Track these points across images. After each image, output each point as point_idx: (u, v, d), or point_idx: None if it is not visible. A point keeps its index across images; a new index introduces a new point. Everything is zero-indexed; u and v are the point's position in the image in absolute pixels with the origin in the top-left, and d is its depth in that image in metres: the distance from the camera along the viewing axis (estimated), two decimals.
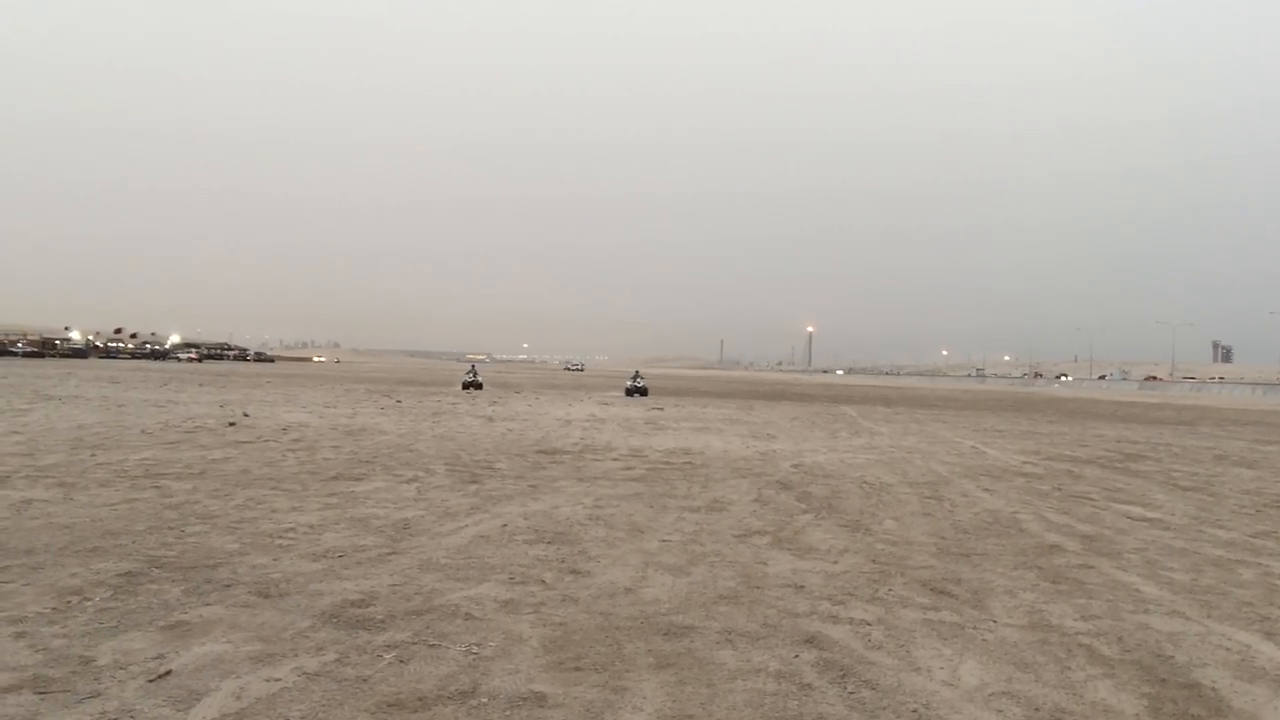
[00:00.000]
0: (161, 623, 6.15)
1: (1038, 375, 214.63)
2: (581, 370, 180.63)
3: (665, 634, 6.36)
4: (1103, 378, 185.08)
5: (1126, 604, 7.68)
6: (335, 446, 17.66)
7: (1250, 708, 5.33)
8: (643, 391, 50.43)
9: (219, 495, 11.36)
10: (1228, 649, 6.50)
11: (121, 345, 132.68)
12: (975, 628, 6.81)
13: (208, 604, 6.63)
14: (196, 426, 20.91)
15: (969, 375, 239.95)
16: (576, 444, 20.27)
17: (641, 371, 65.80)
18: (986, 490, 14.76)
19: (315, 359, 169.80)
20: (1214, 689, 5.64)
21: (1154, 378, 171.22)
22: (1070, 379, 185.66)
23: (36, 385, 37.41)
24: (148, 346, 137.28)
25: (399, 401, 35.37)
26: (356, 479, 13.32)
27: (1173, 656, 6.28)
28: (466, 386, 52.88)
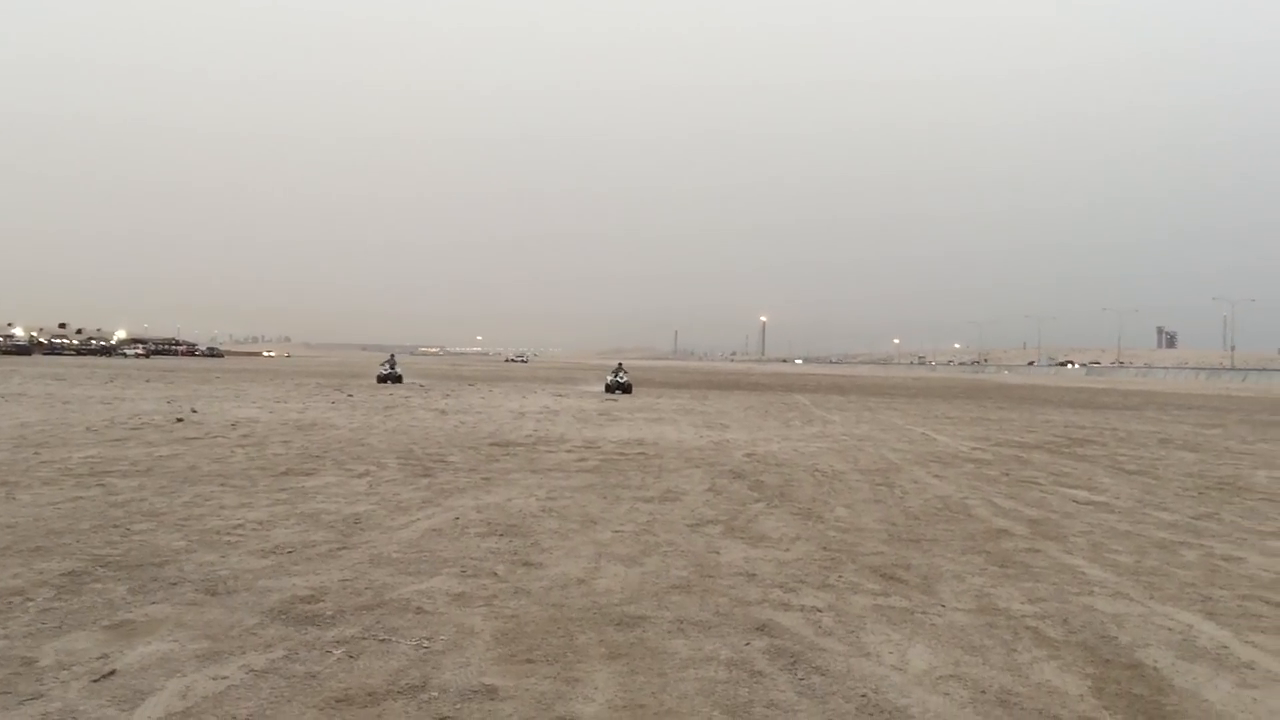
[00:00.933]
0: (106, 622, 6.05)
1: (978, 362, 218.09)
2: (525, 362, 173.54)
3: (617, 624, 6.37)
4: (1031, 364, 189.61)
5: (1072, 586, 7.81)
6: (285, 442, 17.48)
7: (1191, 686, 5.44)
8: (626, 389, 42.69)
9: (166, 492, 11.21)
10: (1170, 629, 6.63)
11: (66, 341, 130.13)
12: (924, 612, 6.89)
13: (153, 602, 6.54)
14: (143, 423, 20.59)
15: (911, 363, 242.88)
16: (530, 436, 20.22)
17: (596, 364, 64.21)
18: (936, 476, 14.92)
19: (265, 353, 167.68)
20: (1156, 669, 5.75)
21: (1069, 362, 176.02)
22: (1032, 365, 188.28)
23: None
24: (93, 342, 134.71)
25: (350, 395, 35.06)
26: (307, 474, 13.20)
27: (1116, 637, 6.39)
28: (383, 380, 47.19)
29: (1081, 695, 5.26)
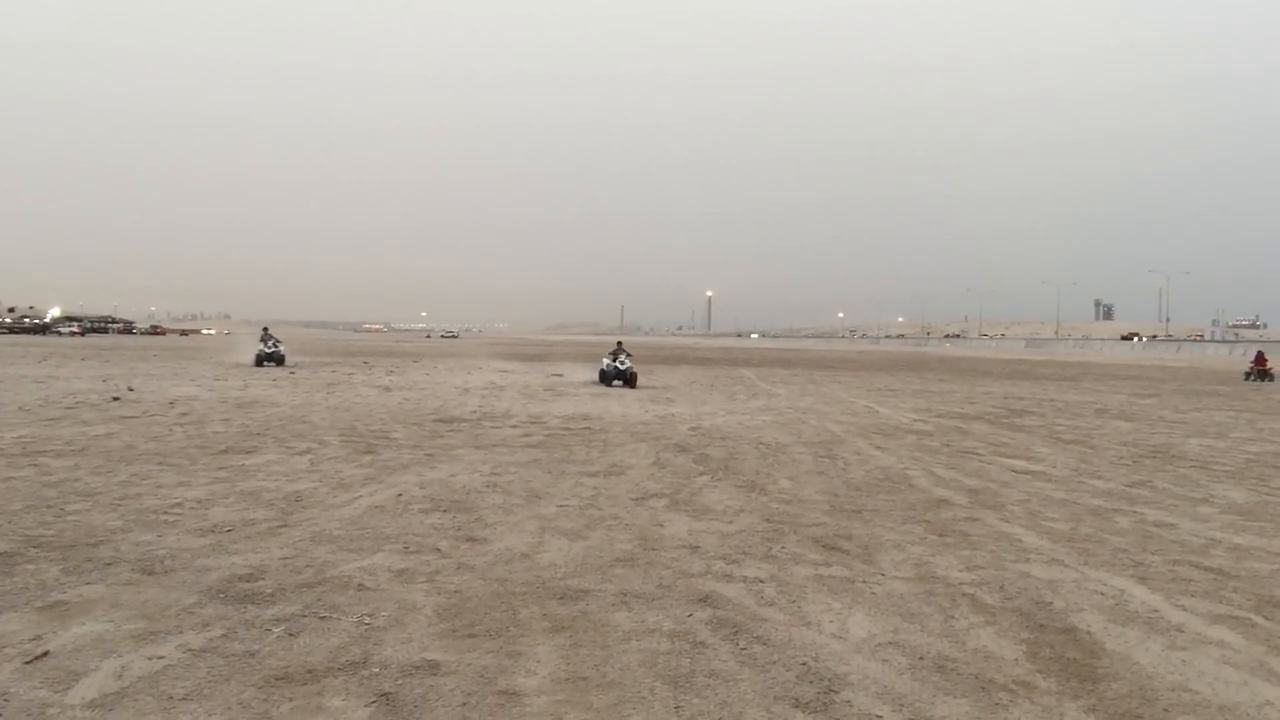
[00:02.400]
0: (39, 603, 5.93)
1: (883, 336, 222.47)
2: (455, 337, 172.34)
3: (561, 598, 6.37)
4: (948, 337, 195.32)
5: (1009, 554, 7.94)
6: (225, 420, 17.24)
7: (1123, 649, 5.56)
8: (628, 379, 30.08)
9: (101, 472, 11.00)
10: (1103, 594, 6.77)
11: None
12: (864, 582, 6.97)
13: (88, 583, 6.42)
14: (78, 402, 20.20)
15: (842, 336, 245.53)
16: (475, 412, 20.13)
17: (542, 340, 61.37)
18: (879, 448, 15.09)
19: (204, 331, 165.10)
20: (1089, 632, 5.87)
21: (956, 335, 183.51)
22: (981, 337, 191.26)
23: None
24: (27, 321, 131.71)
25: (292, 372, 34.66)
26: (247, 452, 13.03)
27: (1051, 603, 6.51)
28: (262, 361, 39.46)
29: (1016, 660, 5.36)
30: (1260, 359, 48.80)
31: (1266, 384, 44.52)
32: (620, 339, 37.27)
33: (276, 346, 40.57)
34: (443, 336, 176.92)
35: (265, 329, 43.58)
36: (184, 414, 18.15)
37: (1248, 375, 48.40)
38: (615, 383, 29.94)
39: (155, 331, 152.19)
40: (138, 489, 10.01)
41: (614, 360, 30.44)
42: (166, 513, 8.84)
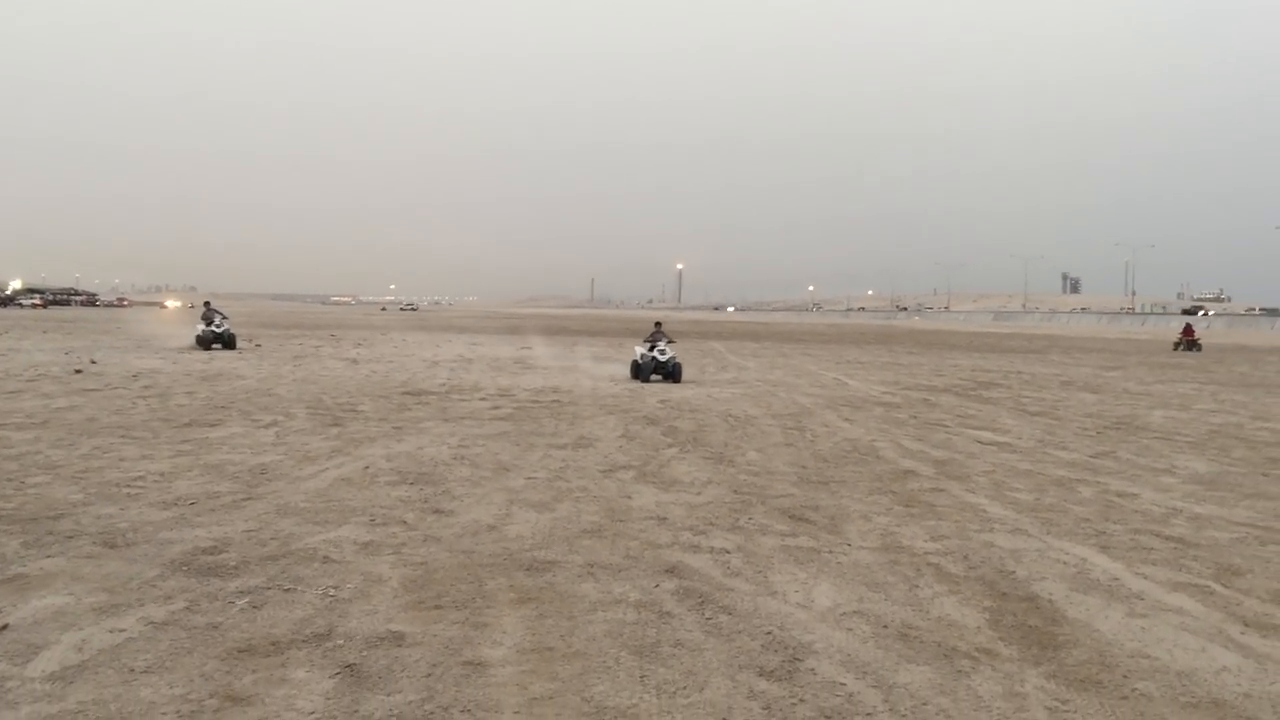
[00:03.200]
0: None
1: (851, 309, 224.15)
2: (415, 310, 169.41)
3: (527, 569, 6.36)
4: (901, 310, 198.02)
5: (973, 524, 8.01)
6: (189, 393, 17.07)
7: (1084, 617, 5.62)
8: (670, 373, 22.18)
9: (63, 445, 10.87)
10: (1065, 563, 6.84)
11: None
12: (830, 552, 7.01)
13: (49, 556, 6.35)
14: (40, 374, 19.93)
15: (809, 310, 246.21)
16: (443, 385, 20.05)
17: (512, 313, 58.16)
18: (847, 420, 15.16)
19: (167, 304, 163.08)
20: (1051, 601, 5.93)
21: (921, 309, 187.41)
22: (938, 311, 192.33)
23: None
24: None
25: (258, 345, 34.35)
26: (211, 425, 12.91)
27: (1014, 572, 6.57)
28: (209, 344, 30.90)
29: (979, 628, 5.40)
30: (1188, 330, 51.74)
31: (1195, 352, 47.55)
32: (659, 319, 25.76)
33: (223, 325, 31.92)
34: (401, 309, 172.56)
35: (207, 303, 34.29)
36: (147, 387, 17.95)
37: (1176, 345, 50.88)
38: (654, 378, 21.89)
39: (120, 304, 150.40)
40: (100, 462, 9.90)
41: (651, 348, 22.53)
42: (129, 486, 8.75)
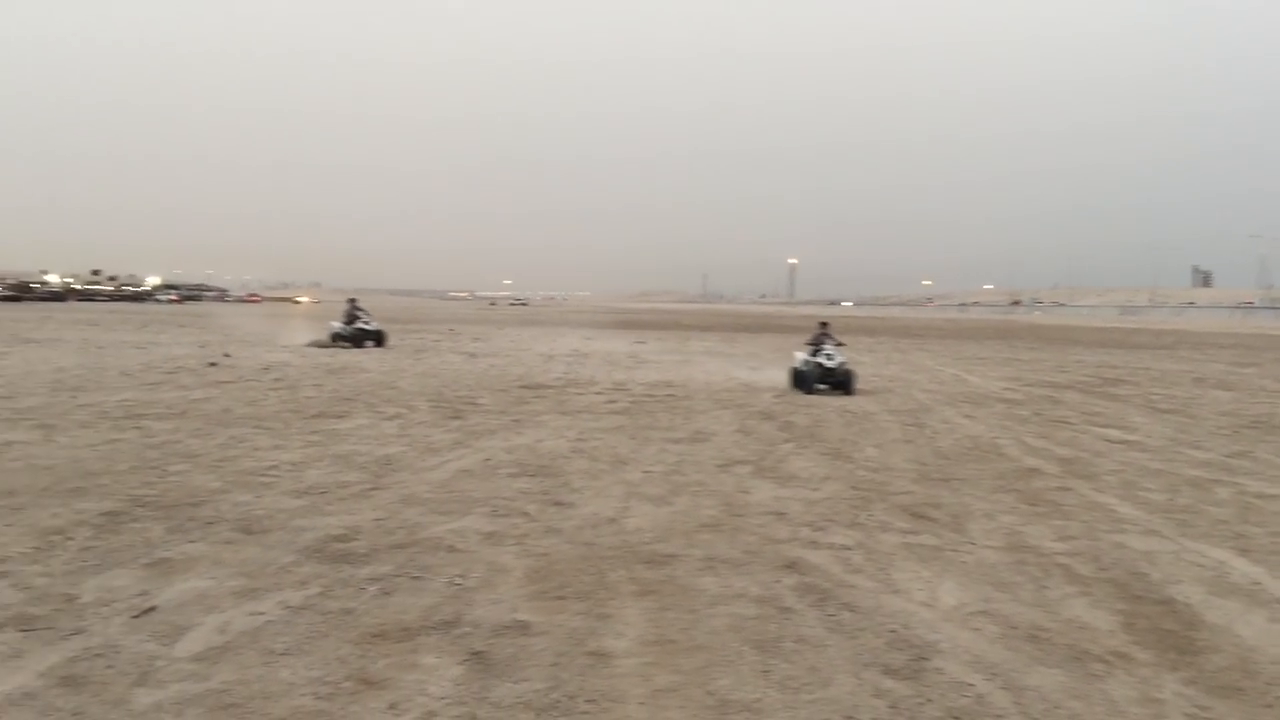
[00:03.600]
0: (145, 560, 6.15)
1: (967, 304, 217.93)
2: (525, 305, 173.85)
3: (647, 562, 6.41)
4: (1016, 303, 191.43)
5: (1103, 524, 7.78)
6: (317, 385, 17.61)
7: (1223, 622, 5.42)
8: (841, 383, 18.45)
9: (201, 434, 11.33)
10: (1202, 566, 6.60)
11: (100, 287, 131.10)
12: (954, 550, 6.89)
13: (190, 541, 6.63)
14: (177, 368, 20.79)
15: (920, 305, 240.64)
16: (559, 379, 20.29)
17: (624, 308, 57.56)
18: (967, 417, 14.87)
19: (297, 300, 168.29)
20: (1188, 604, 5.74)
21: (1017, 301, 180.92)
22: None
23: (14, 329, 37.07)
24: (127, 289, 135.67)
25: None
26: (339, 416, 13.30)
27: (1148, 574, 6.37)
28: (344, 340, 29.54)
29: (1112, 631, 5.26)
30: None
31: None
32: (825, 319, 21.44)
33: (370, 321, 30.34)
34: (510, 304, 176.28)
35: (352, 300, 32.53)
36: (278, 379, 18.58)
37: None
38: (819, 387, 18.19)
39: (251, 300, 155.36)
40: (235, 451, 10.29)
41: (815, 351, 18.91)
42: (263, 474, 9.08)
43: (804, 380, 18.44)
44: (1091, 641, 5.07)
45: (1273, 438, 13.22)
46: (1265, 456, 11.49)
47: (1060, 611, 5.57)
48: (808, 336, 20.23)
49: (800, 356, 19.32)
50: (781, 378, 20.57)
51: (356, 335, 29.52)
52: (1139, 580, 6.24)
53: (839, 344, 19.28)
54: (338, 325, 30.16)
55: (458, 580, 5.90)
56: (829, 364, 18.36)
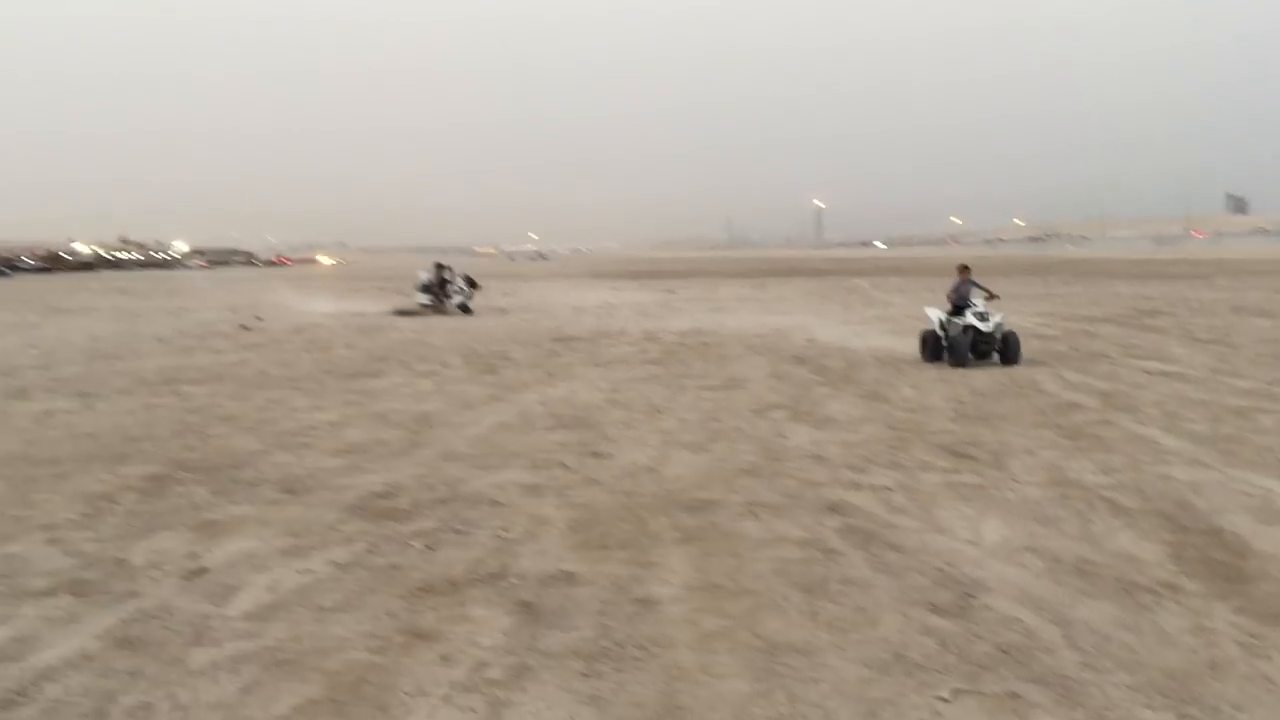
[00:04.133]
0: (191, 522, 6.22)
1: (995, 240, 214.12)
2: (545, 259, 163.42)
3: (688, 509, 6.41)
4: (1035, 239, 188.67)
5: (1146, 456, 7.70)
6: (349, 345, 17.71)
7: (1273, 549, 5.36)
8: (1005, 353, 13.74)
9: (238, 397, 11.43)
10: (1249, 494, 6.52)
11: (129, 255, 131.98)
12: (996, 488, 6.85)
13: (235, 503, 6.70)
14: (210, 332, 20.98)
15: (945, 244, 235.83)
16: (590, 330, 20.30)
17: (651, 257, 55.27)
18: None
19: (320, 259, 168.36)
20: (1235, 533, 5.67)
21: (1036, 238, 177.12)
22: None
23: (48, 299, 37.49)
24: (156, 255, 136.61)
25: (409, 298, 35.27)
26: (373, 375, 13.38)
27: (1194, 504, 6.30)
28: (431, 295, 26.85)
29: (1160, 562, 5.21)
30: None
31: None
32: (965, 263, 16.70)
33: (462, 285, 27.14)
34: (531, 259, 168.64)
35: (440, 264, 28.58)
36: (310, 340, 18.70)
37: None
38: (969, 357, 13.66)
39: (280, 262, 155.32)
40: (273, 413, 10.37)
41: (958, 309, 14.39)
42: (302, 435, 9.15)
43: (954, 349, 13.76)
44: (1139, 573, 5.03)
45: None
46: None
47: (1106, 545, 5.53)
48: (946, 288, 15.63)
49: (935, 315, 14.81)
50: (819, 322, 20.43)
51: (436, 297, 26.57)
52: (1185, 511, 6.17)
53: (990, 295, 14.66)
54: (424, 295, 27.03)
55: (501, 533, 5.93)
56: (984, 326, 13.71)
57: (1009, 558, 5.33)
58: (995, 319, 13.80)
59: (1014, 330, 14.10)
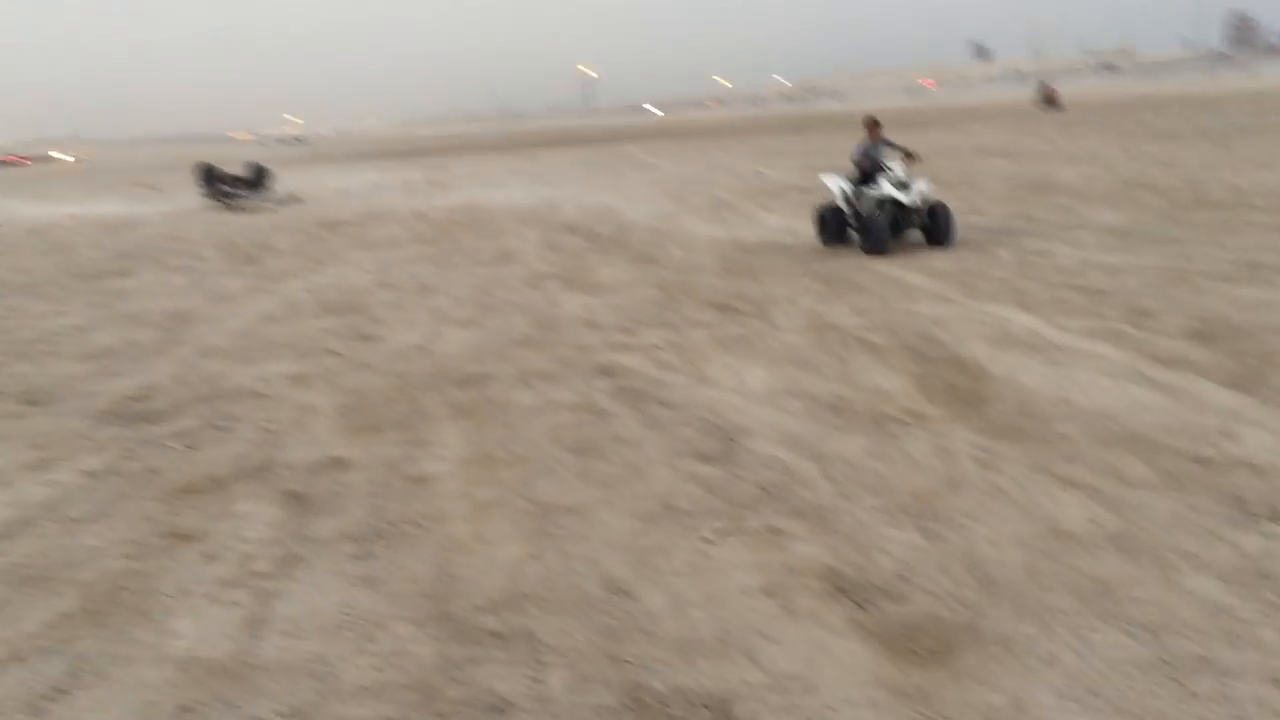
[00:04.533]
0: None
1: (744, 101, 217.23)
2: (304, 143, 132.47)
3: (461, 384, 6.38)
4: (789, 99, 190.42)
5: (896, 295, 8.14)
6: (95, 244, 16.51)
7: (1006, 372, 5.79)
8: (935, 231, 10.58)
9: None
10: (986, 324, 7.00)
11: None
12: (760, 337, 7.11)
13: None
14: None
15: (707, 105, 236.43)
16: (358, 213, 19.59)
17: (419, 135, 51.71)
18: (764, 209, 15.15)
19: (58, 156, 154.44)
20: (974, 360, 6.09)
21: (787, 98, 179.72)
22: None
23: None
24: None
25: (161, 191, 33.11)
26: (122, 274, 12.55)
27: (938, 337, 6.72)
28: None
29: (907, 392, 5.57)
30: (1049, 93, 55.33)
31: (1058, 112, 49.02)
32: (874, 116, 12.18)
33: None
34: (288, 144, 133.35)
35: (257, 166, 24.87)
36: (50, 242, 17.31)
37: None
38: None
39: (11, 162, 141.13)
40: (10, 322, 9.63)
41: (866, 178, 10.98)
42: (44, 342, 8.54)
43: (871, 231, 10.53)
44: (889, 405, 5.36)
45: (1046, 197, 13.97)
46: (1040, 215, 12.17)
47: (860, 381, 5.85)
48: (851, 148, 11.73)
49: (838, 186, 11.35)
50: (590, 190, 20.37)
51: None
52: (930, 343, 6.58)
53: (908, 155, 11.39)
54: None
55: (267, 425, 5.74)
56: (904, 198, 10.51)
57: (770, 402, 5.57)
58: (918, 186, 10.67)
59: (943, 201, 10.98)
